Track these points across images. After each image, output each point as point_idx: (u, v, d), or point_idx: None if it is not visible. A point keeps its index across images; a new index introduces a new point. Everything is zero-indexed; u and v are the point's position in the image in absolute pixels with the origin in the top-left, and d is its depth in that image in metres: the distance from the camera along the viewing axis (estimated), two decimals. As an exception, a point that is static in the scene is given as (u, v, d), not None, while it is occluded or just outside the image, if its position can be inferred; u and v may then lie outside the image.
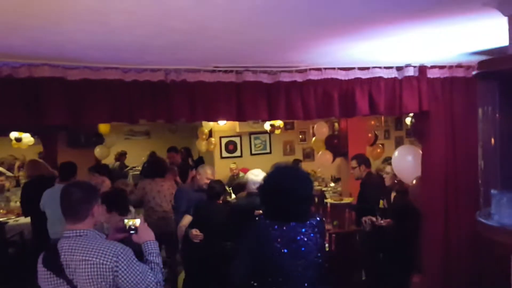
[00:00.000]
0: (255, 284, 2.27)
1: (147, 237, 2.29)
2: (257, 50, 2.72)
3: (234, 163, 8.51)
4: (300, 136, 9.64)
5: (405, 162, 3.87)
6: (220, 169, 8.64)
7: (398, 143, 9.48)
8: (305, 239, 2.28)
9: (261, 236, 2.28)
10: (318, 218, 2.40)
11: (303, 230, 2.30)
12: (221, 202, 4.22)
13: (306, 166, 9.01)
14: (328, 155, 6.90)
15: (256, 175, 3.90)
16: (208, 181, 4.77)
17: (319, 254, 2.34)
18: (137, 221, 2.35)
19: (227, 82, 3.07)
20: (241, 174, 8.11)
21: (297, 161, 8.63)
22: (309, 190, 2.42)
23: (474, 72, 1.47)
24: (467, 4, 1.91)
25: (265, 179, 2.49)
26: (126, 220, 2.37)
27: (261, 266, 2.25)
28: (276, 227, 2.25)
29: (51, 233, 4.07)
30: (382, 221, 4.15)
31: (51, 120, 2.76)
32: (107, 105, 2.86)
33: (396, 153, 4.02)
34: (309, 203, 2.45)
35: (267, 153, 9.38)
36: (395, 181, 4.49)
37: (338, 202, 5.69)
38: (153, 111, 2.96)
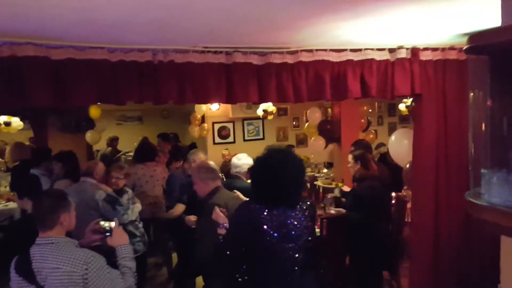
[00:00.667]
0: (239, 276, 2.25)
1: (121, 241, 2.32)
2: (247, 29, 2.65)
3: (227, 149, 8.47)
4: (294, 123, 9.59)
5: (401, 146, 3.85)
6: (212, 155, 8.58)
7: (391, 129, 9.46)
8: (295, 223, 2.25)
9: (250, 220, 2.23)
10: (308, 202, 2.38)
11: (293, 214, 2.27)
12: None
13: (299, 152, 8.98)
14: (321, 141, 6.86)
15: (239, 159, 3.98)
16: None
17: (309, 238, 2.32)
18: (112, 224, 2.36)
19: (217, 63, 3.01)
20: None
21: (289, 147, 8.61)
22: (300, 174, 2.39)
23: (464, 47, 1.42)
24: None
25: (257, 162, 2.42)
26: (102, 222, 2.39)
27: (251, 251, 2.22)
28: (266, 211, 2.21)
29: None
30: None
31: (34, 101, 2.69)
32: (93, 86, 2.79)
33: (392, 137, 4.01)
34: (301, 187, 2.42)
35: (260, 139, 9.33)
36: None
37: (328, 186, 5.63)
38: (140, 93, 2.90)
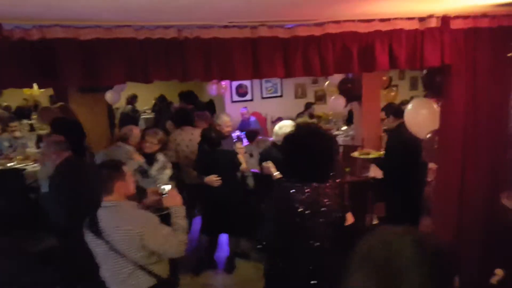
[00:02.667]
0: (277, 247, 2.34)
1: (174, 202, 2.65)
2: (274, 6, 2.59)
3: (245, 107, 8.49)
4: (312, 78, 9.50)
5: (418, 115, 3.78)
6: (231, 113, 8.62)
7: (413, 84, 9.29)
8: (326, 199, 2.31)
9: (282, 199, 2.32)
10: (338, 180, 2.45)
11: (325, 190, 2.33)
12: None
13: (318, 108, 8.96)
14: (341, 100, 6.82)
15: (280, 127, 4.10)
16: (229, 129, 4.83)
17: (340, 215, 2.40)
18: (168, 187, 2.80)
19: (242, 38, 2.96)
20: (252, 118, 8.11)
21: (309, 104, 8.58)
22: (332, 150, 2.46)
23: (509, 54, 1.39)
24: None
25: (288, 139, 2.47)
26: (161, 186, 2.89)
27: (284, 228, 2.30)
28: (297, 188, 2.27)
29: None
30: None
31: (67, 81, 2.74)
32: (121, 65, 2.80)
33: (409, 106, 3.92)
34: (332, 163, 2.47)
35: (278, 96, 9.31)
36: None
37: (365, 157, 5.46)
38: (167, 70, 2.89)
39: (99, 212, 2.47)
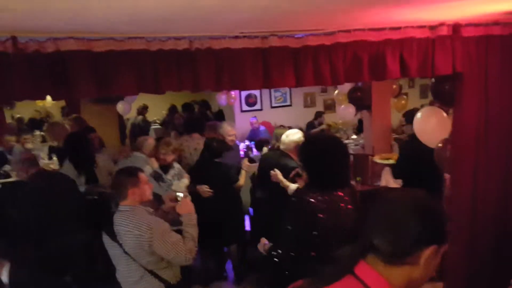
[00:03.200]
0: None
1: (185, 210, 2.72)
2: (285, 18, 2.62)
3: (255, 116, 8.51)
4: (321, 87, 9.51)
5: (428, 124, 3.73)
6: (240, 123, 8.67)
7: (423, 92, 9.24)
8: (346, 208, 2.29)
9: (306, 212, 2.24)
10: (353, 189, 2.43)
11: (346, 198, 2.31)
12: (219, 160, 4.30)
13: (327, 117, 8.95)
14: (351, 109, 6.80)
15: (287, 136, 4.05)
16: (231, 138, 4.82)
17: (355, 225, 2.37)
18: (181, 195, 2.92)
19: (253, 48, 2.98)
20: (262, 127, 8.13)
21: (319, 113, 8.57)
22: (348, 155, 2.46)
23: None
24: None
25: (307, 148, 2.45)
26: (176, 193, 3.03)
27: (306, 242, 2.24)
28: (320, 197, 2.22)
29: None
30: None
31: (80, 93, 2.78)
32: (133, 76, 2.83)
33: (418, 114, 3.87)
34: (349, 168, 2.47)
35: (287, 105, 9.32)
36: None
37: (385, 161, 5.38)
38: (179, 81, 2.92)
39: (115, 216, 2.57)
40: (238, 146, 5.75)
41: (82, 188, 4.18)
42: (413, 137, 4.36)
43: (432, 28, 3.17)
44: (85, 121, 5.60)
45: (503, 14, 2.93)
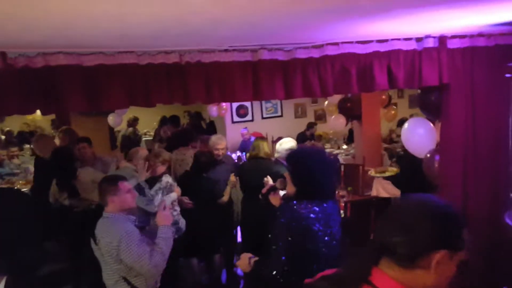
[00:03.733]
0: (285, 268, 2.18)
1: (162, 222, 2.72)
2: (273, 33, 2.65)
3: (246, 127, 8.52)
4: (312, 98, 9.56)
5: (415, 135, 3.76)
6: (232, 134, 8.68)
7: (412, 102, 9.34)
8: (334, 218, 2.29)
9: (299, 223, 2.16)
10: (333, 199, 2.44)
11: (335, 208, 2.32)
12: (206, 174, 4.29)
13: (318, 128, 9.00)
14: (342, 119, 6.87)
15: (280, 144, 4.19)
16: (220, 151, 4.79)
17: (340, 234, 2.38)
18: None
19: (243, 61, 3.02)
20: (253, 138, 8.14)
21: (312, 124, 8.62)
22: (335, 168, 2.46)
23: (507, 75, 1.42)
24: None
25: (296, 159, 2.39)
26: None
27: (300, 254, 2.17)
28: (314, 208, 2.19)
29: None
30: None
31: (70, 107, 2.79)
32: (124, 90, 2.84)
33: (405, 125, 3.91)
34: (335, 180, 2.48)
35: (278, 116, 9.35)
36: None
37: (381, 175, 5.32)
38: (169, 94, 2.94)
39: (98, 221, 2.65)
40: (231, 158, 5.72)
41: (66, 202, 4.23)
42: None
43: (419, 40, 3.23)
44: (76, 133, 5.56)
45: (488, 26, 3.00)
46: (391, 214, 1.23)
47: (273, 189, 2.82)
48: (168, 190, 3.89)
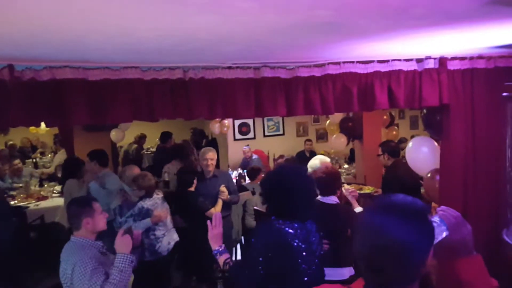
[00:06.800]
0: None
1: (119, 249, 2.49)
2: (276, 51, 2.70)
3: (247, 145, 8.54)
4: (313, 117, 9.61)
5: (419, 153, 3.79)
6: (233, 151, 8.70)
7: (413, 123, 9.39)
8: (314, 238, 2.27)
9: (279, 241, 2.12)
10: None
11: (315, 227, 2.29)
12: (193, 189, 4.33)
13: (319, 147, 9.02)
14: (343, 138, 6.88)
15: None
16: (206, 162, 4.68)
17: (321, 252, 2.35)
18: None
19: (246, 78, 3.07)
20: (254, 156, 8.15)
21: (309, 141, 8.65)
22: (314, 188, 2.42)
23: (504, 94, 1.45)
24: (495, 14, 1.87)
25: (276, 179, 2.29)
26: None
27: (279, 273, 2.12)
28: (295, 226, 2.15)
29: None
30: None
31: (74, 120, 2.82)
32: (128, 104, 2.89)
33: (410, 144, 3.95)
34: (314, 200, 2.44)
35: (280, 134, 9.38)
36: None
37: (363, 191, 5.30)
38: (173, 110, 2.98)
39: (65, 245, 2.53)
40: (227, 174, 5.61)
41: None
42: (391, 167, 4.40)
43: (419, 61, 3.28)
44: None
45: (487, 48, 3.05)
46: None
47: None
48: (143, 215, 3.74)
